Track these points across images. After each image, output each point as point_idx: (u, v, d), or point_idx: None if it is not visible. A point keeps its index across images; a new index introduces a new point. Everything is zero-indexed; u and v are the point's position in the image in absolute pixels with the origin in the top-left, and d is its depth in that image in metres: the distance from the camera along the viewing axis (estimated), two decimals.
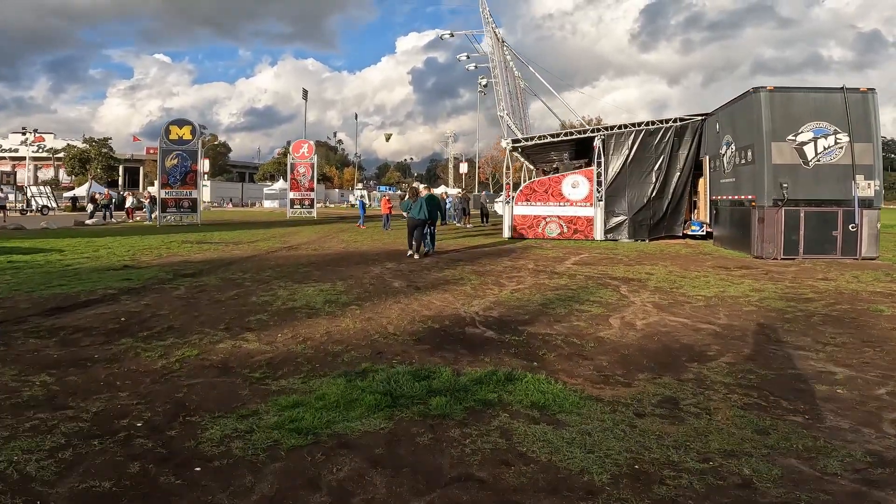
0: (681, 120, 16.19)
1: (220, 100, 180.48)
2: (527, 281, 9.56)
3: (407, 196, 13.87)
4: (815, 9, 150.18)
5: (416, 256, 12.43)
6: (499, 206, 31.00)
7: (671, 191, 16.37)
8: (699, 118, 16.10)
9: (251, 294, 8.13)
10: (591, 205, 16.68)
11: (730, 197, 14.31)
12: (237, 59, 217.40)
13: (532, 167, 27.58)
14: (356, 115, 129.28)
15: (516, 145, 17.35)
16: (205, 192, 74.22)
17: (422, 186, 17.86)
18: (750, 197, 13.05)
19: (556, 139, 17.11)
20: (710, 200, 15.66)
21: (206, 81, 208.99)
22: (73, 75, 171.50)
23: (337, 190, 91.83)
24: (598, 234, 16.63)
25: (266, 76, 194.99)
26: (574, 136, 16.86)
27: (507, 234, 17.32)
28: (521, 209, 17.25)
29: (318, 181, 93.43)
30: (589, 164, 23.57)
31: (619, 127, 16.45)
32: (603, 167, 16.58)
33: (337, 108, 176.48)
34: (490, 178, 73.77)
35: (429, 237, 13.68)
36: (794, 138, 12.43)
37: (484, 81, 45.41)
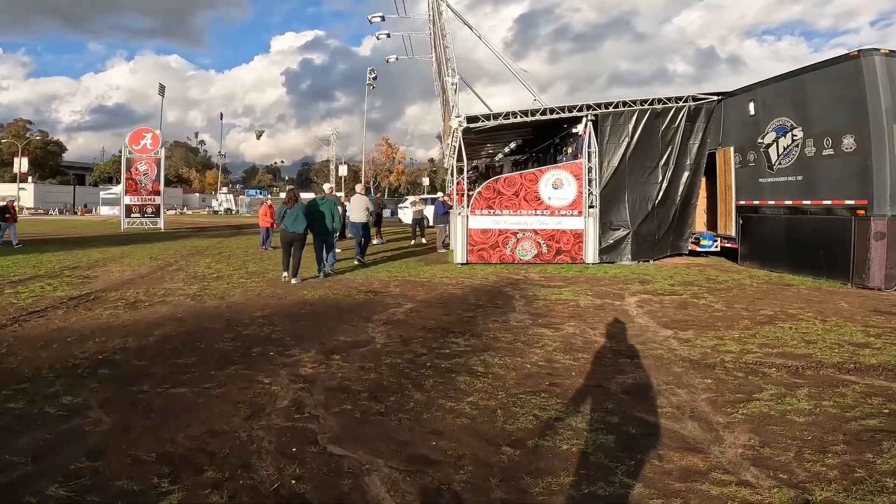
0: (694, 99, 11.35)
1: (61, 96, 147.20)
2: (744, 435, 3.45)
3: (284, 200, 9.57)
4: (666, 26, 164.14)
5: (291, 281, 8.89)
6: (405, 214, 24.60)
7: (679, 193, 11.48)
8: (714, 98, 11.40)
9: None
10: (581, 213, 11.17)
11: (789, 202, 9.65)
12: (86, 52, 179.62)
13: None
14: (221, 115, 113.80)
15: (472, 125, 11.26)
16: (24, 196, 57.36)
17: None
18: (850, 202, 8.40)
19: (531, 117, 11.33)
20: (737, 206, 11.01)
21: (46, 75, 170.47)
22: None
23: (197, 194, 77.72)
24: (591, 255, 11.16)
25: (120, 72, 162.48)
26: (556, 115, 11.25)
27: (460, 258, 11.11)
28: (481, 221, 11.17)
29: (175, 184, 78.36)
30: (528, 162, 18.34)
31: (617, 105, 11.15)
32: (596, 160, 11.15)
33: (201, 109, 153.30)
34: (372, 181, 66.55)
35: (324, 255, 9.89)
36: None
37: (374, 74, 38.66)
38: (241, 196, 66.15)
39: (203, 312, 6.45)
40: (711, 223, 12.51)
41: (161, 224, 24.58)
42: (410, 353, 4.91)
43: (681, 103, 11.31)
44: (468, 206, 11.16)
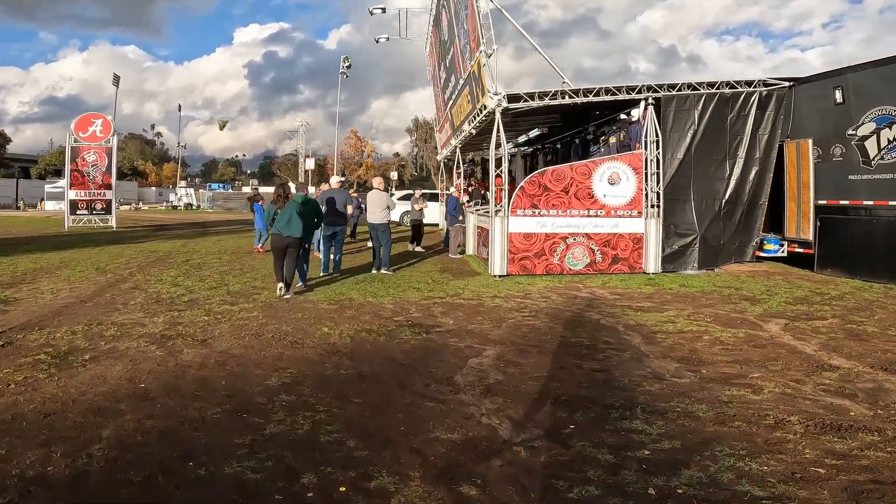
0: (766, 85, 9.52)
1: (8, 86, 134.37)
2: None
3: (273, 199, 7.45)
4: (630, 25, 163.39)
5: (286, 295, 6.96)
6: (394, 213, 21.93)
7: (746, 191, 9.66)
8: (786, 84, 9.62)
9: None
10: (640, 213, 9.16)
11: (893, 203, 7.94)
12: (36, 42, 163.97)
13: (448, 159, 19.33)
14: (180, 107, 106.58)
15: (512, 106, 9.02)
16: None
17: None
18: None
19: (582, 97, 9.15)
20: (816, 206, 9.28)
21: None
22: None
23: (154, 188, 71.75)
24: (652, 263, 9.18)
25: (72, 62, 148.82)
26: (612, 97, 9.15)
27: (497, 269, 8.87)
28: (524, 223, 8.98)
29: (130, 177, 72.10)
30: (538, 154, 16.21)
31: (682, 87, 9.19)
32: (660, 151, 9.15)
33: (159, 101, 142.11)
34: (341, 175, 62.98)
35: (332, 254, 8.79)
36: None
37: (348, 63, 35.67)
38: (202, 190, 61.18)
39: (182, 379, 3.92)
40: (771, 225, 10.76)
41: (113, 222, 21.08)
42: (590, 464, 2.65)
43: (751, 88, 9.44)
44: (509, 206, 8.93)
